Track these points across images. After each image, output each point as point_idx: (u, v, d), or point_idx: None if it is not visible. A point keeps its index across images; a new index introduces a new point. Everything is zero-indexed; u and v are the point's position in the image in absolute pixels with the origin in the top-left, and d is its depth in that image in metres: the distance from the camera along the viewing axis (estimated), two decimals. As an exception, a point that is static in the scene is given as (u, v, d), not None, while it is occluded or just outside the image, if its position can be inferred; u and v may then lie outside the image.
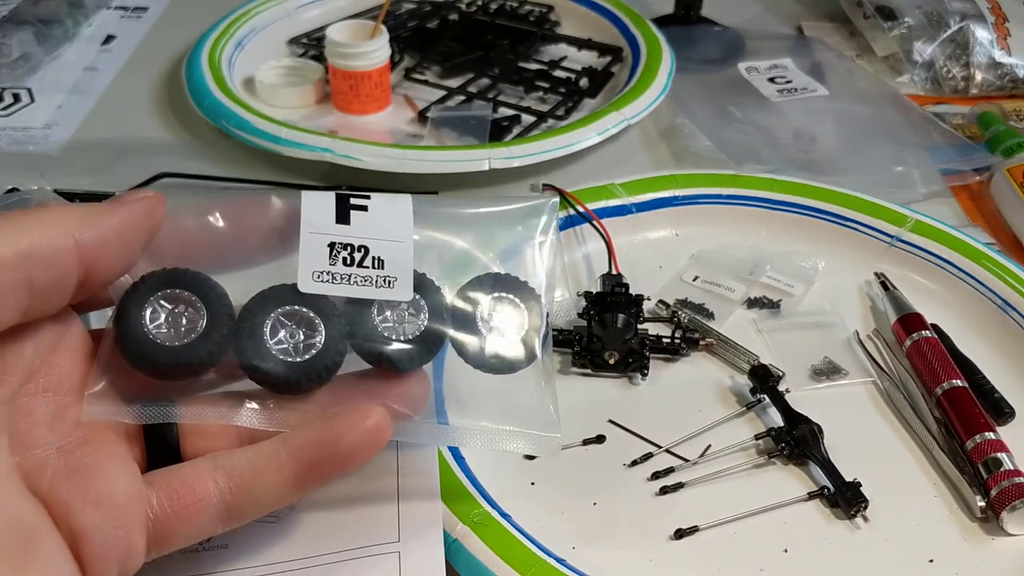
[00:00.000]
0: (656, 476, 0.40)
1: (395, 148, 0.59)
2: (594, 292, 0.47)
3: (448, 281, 0.34)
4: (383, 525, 0.35)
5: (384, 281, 0.32)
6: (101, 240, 0.28)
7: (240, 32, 0.73)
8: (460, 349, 0.33)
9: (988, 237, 0.57)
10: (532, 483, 0.40)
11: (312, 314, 0.31)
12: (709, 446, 0.42)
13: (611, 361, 0.44)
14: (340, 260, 0.31)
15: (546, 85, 0.70)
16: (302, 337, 0.31)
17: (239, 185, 0.59)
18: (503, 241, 0.35)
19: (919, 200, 0.59)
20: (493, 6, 0.82)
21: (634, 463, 0.41)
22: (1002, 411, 0.43)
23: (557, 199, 0.37)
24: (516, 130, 0.65)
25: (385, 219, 0.32)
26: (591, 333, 0.45)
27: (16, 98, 0.68)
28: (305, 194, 0.32)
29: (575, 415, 0.43)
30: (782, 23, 0.84)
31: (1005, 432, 0.42)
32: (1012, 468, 0.39)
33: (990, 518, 0.39)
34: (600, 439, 0.42)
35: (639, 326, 0.45)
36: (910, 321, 0.47)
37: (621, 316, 0.45)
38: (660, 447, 0.42)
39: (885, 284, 0.50)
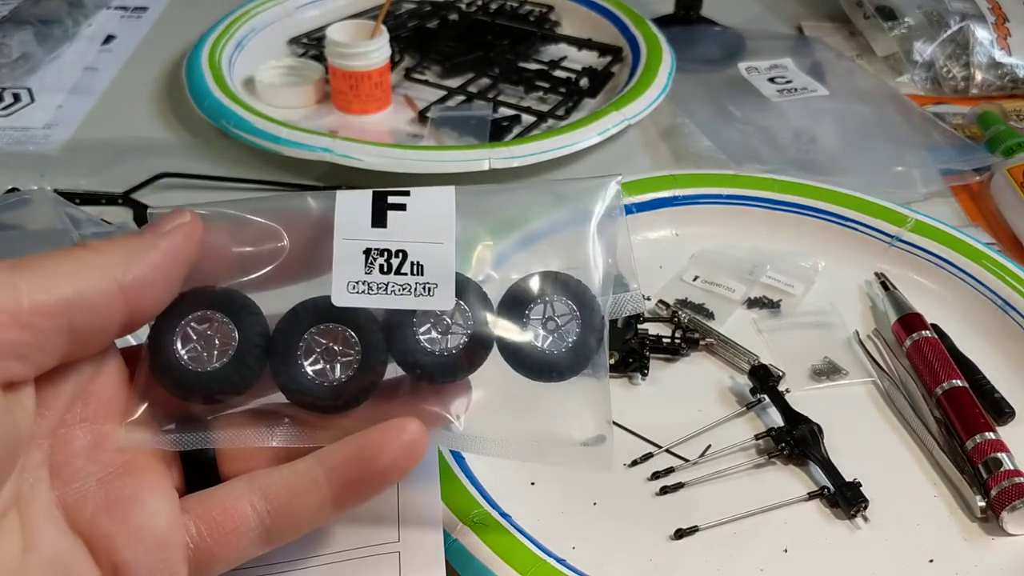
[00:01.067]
0: (656, 476, 0.40)
1: (395, 148, 0.59)
2: (594, 292, 0.47)
3: (497, 272, 0.31)
4: (383, 525, 0.35)
5: (424, 289, 0.30)
6: (145, 280, 0.28)
7: (240, 32, 0.73)
8: (507, 355, 0.31)
9: (988, 237, 0.57)
10: (532, 483, 0.40)
11: (349, 332, 0.30)
12: (709, 446, 0.42)
13: (611, 361, 0.44)
14: (376, 268, 0.30)
15: (546, 85, 0.70)
16: (338, 355, 0.30)
17: (250, 188, 0.59)
18: (557, 227, 0.32)
19: (919, 200, 0.59)
20: (493, 6, 0.82)
21: (634, 463, 0.41)
22: (1002, 411, 0.43)
23: (620, 180, 0.33)
24: (516, 130, 0.65)
25: (425, 218, 0.30)
26: (591, 333, 0.45)
27: (16, 98, 0.68)
28: (340, 195, 0.30)
29: (575, 415, 0.43)
30: (782, 23, 0.84)
31: (1005, 432, 0.42)
32: (1012, 468, 0.39)
33: (990, 518, 0.39)
34: (600, 439, 0.42)
35: (639, 326, 0.45)
36: (910, 321, 0.47)
37: (621, 316, 0.45)
38: (660, 447, 0.42)
39: (885, 284, 0.50)
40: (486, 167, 0.57)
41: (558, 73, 0.72)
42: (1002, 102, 0.71)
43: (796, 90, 0.70)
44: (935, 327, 0.47)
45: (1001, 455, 0.40)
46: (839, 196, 0.54)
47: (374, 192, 0.30)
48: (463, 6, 0.82)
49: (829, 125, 0.66)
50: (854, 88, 0.71)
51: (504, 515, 0.37)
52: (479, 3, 0.82)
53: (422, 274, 0.30)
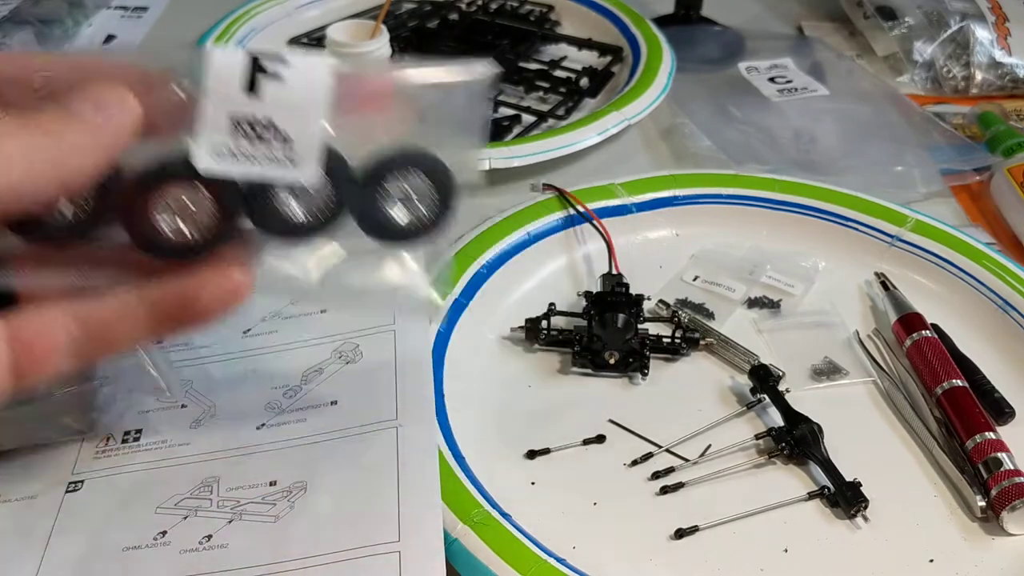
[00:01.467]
0: (656, 476, 0.40)
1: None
2: (594, 292, 0.47)
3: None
4: (383, 524, 0.35)
5: (289, 161, 0.30)
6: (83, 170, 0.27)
7: (240, 32, 0.73)
8: (361, 222, 0.32)
9: (988, 237, 0.57)
10: (532, 483, 0.40)
11: (209, 199, 0.30)
12: (709, 446, 0.42)
13: (611, 361, 0.44)
14: (242, 135, 0.29)
15: (546, 85, 0.70)
16: (191, 213, 0.30)
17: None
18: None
19: (919, 200, 0.59)
20: (493, 6, 0.82)
21: (634, 463, 0.41)
22: (1002, 411, 0.43)
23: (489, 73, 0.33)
24: (516, 130, 0.65)
25: (298, 88, 0.30)
26: (591, 333, 0.45)
27: (16, 98, 0.68)
28: (215, 53, 0.29)
29: (575, 415, 0.43)
30: (782, 23, 0.84)
31: (1005, 432, 0.42)
32: (1012, 468, 0.39)
33: (990, 518, 0.39)
34: (600, 439, 0.42)
35: (639, 326, 0.45)
36: (910, 321, 0.47)
37: (621, 316, 0.45)
38: (660, 447, 0.42)
39: (885, 284, 0.50)
40: (486, 167, 0.57)
41: (558, 73, 0.72)
42: (1002, 102, 0.71)
43: (796, 90, 0.70)
44: (935, 327, 0.47)
45: (1001, 455, 0.40)
46: (839, 196, 0.54)
47: (251, 54, 0.30)
48: (463, 6, 0.82)
49: (829, 125, 0.66)
50: (854, 88, 0.71)
51: (504, 515, 0.37)
52: (479, 3, 0.82)
53: (289, 146, 0.30)
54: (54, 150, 0.27)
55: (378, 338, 0.44)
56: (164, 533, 0.36)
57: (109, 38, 0.78)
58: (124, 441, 0.40)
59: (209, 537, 0.36)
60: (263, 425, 0.40)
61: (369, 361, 0.43)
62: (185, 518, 0.37)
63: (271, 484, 0.38)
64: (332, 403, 0.41)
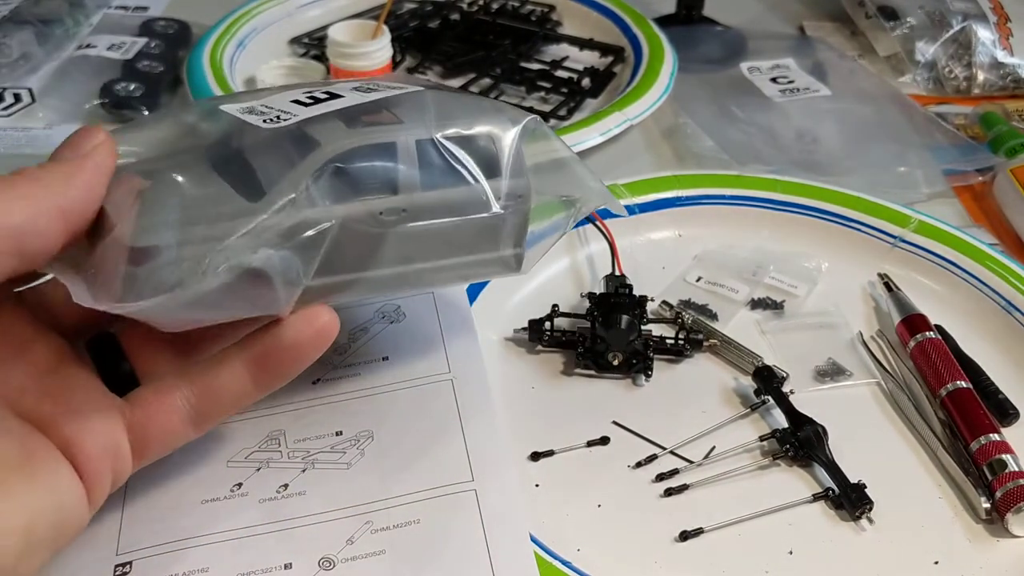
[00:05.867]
0: (661, 478, 0.40)
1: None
2: (598, 293, 0.47)
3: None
4: (456, 466, 0.37)
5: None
6: (81, 200, 0.30)
7: (241, 32, 0.72)
8: None
9: (991, 238, 0.57)
10: (536, 485, 0.40)
11: None
12: (713, 448, 0.42)
13: (615, 362, 0.44)
14: None
15: (548, 85, 0.70)
16: None
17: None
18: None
19: (922, 200, 0.59)
20: (495, 6, 0.82)
21: (639, 465, 0.41)
22: (1007, 412, 0.43)
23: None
24: (518, 130, 0.65)
25: None
26: (595, 334, 0.45)
27: (17, 98, 0.68)
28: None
29: (579, 416, 0.43)
30: (784, 23, 0.84)
31: (1010, 433, 0.42)
32: (1017, 469, 0.39)
33: (995, 520, 0.39)
34: (604, 441, 0.42)
35: (643, 327, 0.45)
36: (914, 322, 0.47)
37: (625, 317, 0.45)
38: (664, 449, 0.42)
39: (888, 285, 0.50)
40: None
41: (560, 73, 0.72)
42: (1004, 102, 0.71)
43: (798, 90, 0.70)
44: (939, 328, 0.47)
45: (1006, 456, 0.40)
46: (842, 197, 0.54)
47: None
48: (465, 6, 0.81)
49: (831, 125, 0.66)
50: (856, 88, 0.71)
51: (509, 517, 0.37)
52: (481, 3, 0.82)
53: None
54: (45, 193, 0.29)
55: (417, 300, 0.45)
56: (240, 485, 0.37)
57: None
58: None
59: (285, 486, 0.37)
60: (318, 380, 0.42)
61: (412, 321, 0.44)
62: (258, 470, 0.38)
63: (337, 434, 0.39)
64: (384, 359, 0.42)
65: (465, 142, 0.34)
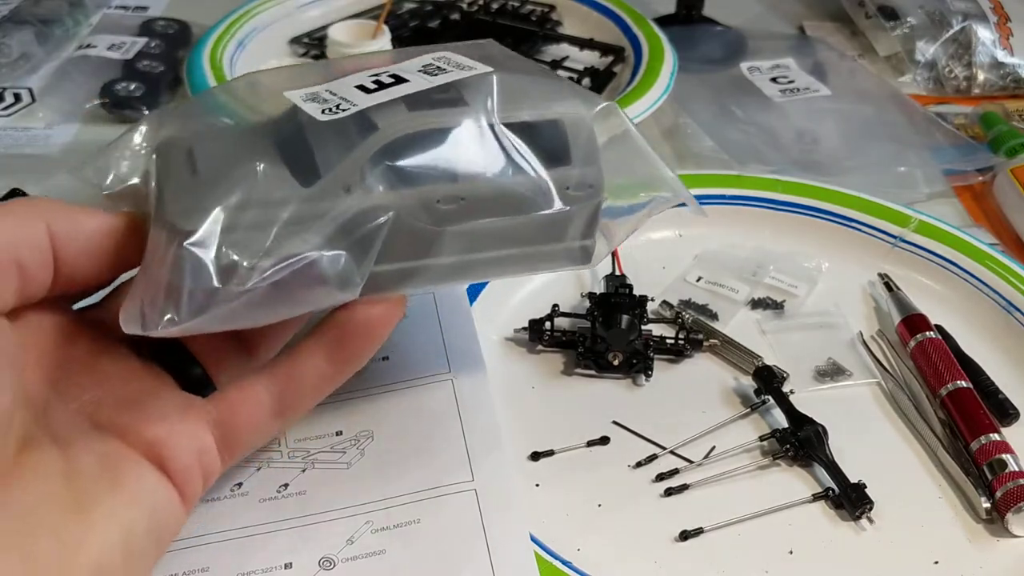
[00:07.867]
0: (661, 478, 0.40)
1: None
2: (598, 293, 0.47)
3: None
4: (455, 466, 0.38)
5: None
6: (71, 236, 0.30)
7: (241, 32, 0.72)
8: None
9: (991, 238, 0.57)
10: (536, 485, 0.40)
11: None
12: (714, 447, 0.42)
13: (615, 362, 0.44)
14: None
15: (548, 85, 0.70)
16: None
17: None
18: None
19: (922, 200, 0.59)
20: (495, 6, 0.82)
21: (639, 464, 0.41)
22: (1007, 412, 0.43)
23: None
24: (518, 130, 0.65)
25: None
26: (595, 334, 0.45)
27: (17, 98, 0.68)
28: None
29: (579, 416, 0.43)
30: (784, 23, 0.84)
31: (1010, 433, 0.42)
32: (1017, 469, 0.39)
33: (995, 520, 0.39)
34: (604, 440, 0.42)
35: (643, 327, 0.45)
36: (914, 322, 0.47)
37: (625, 317, 0.45)
38: (665, 448, 0.42)
39: (889, 285, 0.50)
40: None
41: (560, 73, 0.72)
42: (1004, 102, 0.71)
43: (798, 90, 0.70)
44: (939, 328, 0.47)
45: (1006, 456, 0.40)
46: (842, 196, 0.54)
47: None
48: (464, 6, 0.81)
49: (831, 125, 0.66)
50: (856, 88, 0.71)
51: (509, 517, 0.37)
52: (480, 3, 0.82)
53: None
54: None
55: (417, 300, 0.45)
56: (240, 484, 0.37)
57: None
58: None
59: (286, 486, 0.37)
60: None
61: (412, 321, 0.44)
62: (258, 469, 0.38)
63: (337, 434, 0.39)
64: (384, 359, 0.42)
65: (533, 128, 0.32)
